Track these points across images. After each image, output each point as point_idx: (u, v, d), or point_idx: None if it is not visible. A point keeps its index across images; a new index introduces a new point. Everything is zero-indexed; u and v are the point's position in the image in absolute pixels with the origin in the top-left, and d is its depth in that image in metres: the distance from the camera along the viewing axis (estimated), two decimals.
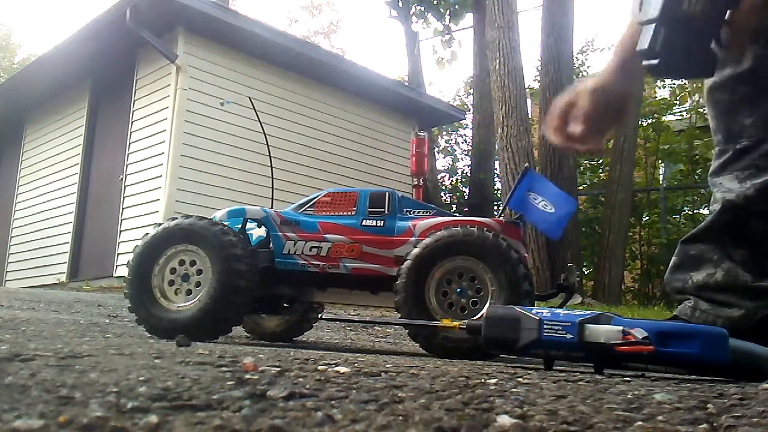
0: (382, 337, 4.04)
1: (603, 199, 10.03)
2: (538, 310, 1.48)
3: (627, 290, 10.59)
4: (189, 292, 2.49)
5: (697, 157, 10.76)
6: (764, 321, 1.52)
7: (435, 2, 14.14)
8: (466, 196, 13.18)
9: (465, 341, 2.20)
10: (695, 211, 10.67)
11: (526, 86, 9.28)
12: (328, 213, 2.75)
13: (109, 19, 7.38)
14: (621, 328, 1.35)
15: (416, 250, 2.45)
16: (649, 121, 11.27)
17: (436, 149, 14.23)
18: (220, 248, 2.42)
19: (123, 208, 7.81)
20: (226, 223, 2.60)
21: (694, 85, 11.27)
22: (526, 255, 2.59)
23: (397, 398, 0.81)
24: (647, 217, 11.11)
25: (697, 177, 10.71)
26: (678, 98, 12.47)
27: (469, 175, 13.33)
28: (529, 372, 1.33)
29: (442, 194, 13.53)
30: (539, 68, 9.78)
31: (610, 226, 8.68)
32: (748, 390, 1.07)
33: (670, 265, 1.70)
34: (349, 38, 54.74)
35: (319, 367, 1.11)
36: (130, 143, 7.96)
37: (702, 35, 1.09)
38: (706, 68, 1.15)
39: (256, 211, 2.78)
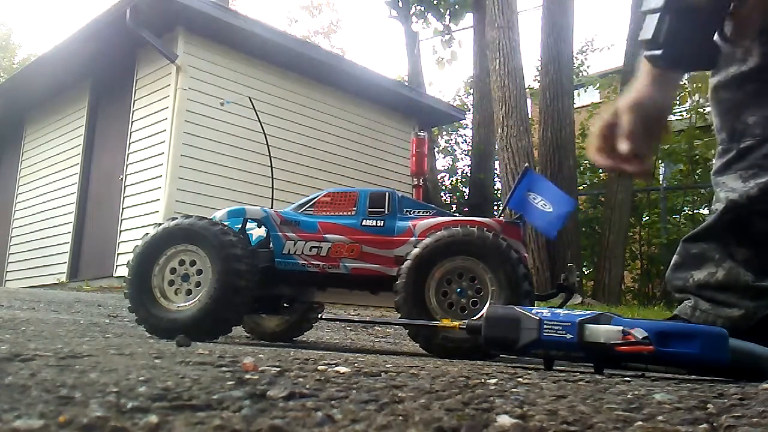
0: (382, 337, 4.04)
1: (603, 199, 10.03)
2: (538, 310, 1.48)
3: (627, 290, 10.59)
4: (189, 292, 2.49)
5: (697, 157, 10.76)
6: (764, 321, 1.52)
7: (435, 2, 14.14)
8: (466, 196, 13.18)
9: (465, 341, 2.20)
10: (695, 211, 10.67)
11: (526, 86, 9.28)
12: (328, 213, 2.75)
13: (109, 19, 7.38)
14: (621, 328, 1.35)
15: (416, 250, 2.45)
16: None
17: (436, 149, 14.23)
18: (220, 248, 2.42)
19: (123, 208, 7.81)
20: (226, 223, 2.60)
21: (694, 85, 11.28)
22: (526, 255, 2.60)
23: (397, 398, 0.81)
24: (647, 217, 11.11)
25: (697, 177, 10.71)
26: (678, 98, 12.47)
27: (469, 175, 13.33)
28: (529, 372, 1.33)
29: (442, 194, 13.53)
30: (539, 68, 9.79)
31: (610, 226, 8.68)
32: (748, 390, 1.07)
33: (671, 263, 1.70)
34: (349, 38, 54.78)
35: (319, 367, 1.11)
36: (130, 143, 7.96)
37: (706, 27, 1.08)
38: (709, 60, 1.14)
39: (256, 211, 2.78)
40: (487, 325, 1.53)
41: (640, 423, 0.71)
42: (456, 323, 1.78)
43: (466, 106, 15.22)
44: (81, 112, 9.03)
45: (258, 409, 0.69)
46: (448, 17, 14.32)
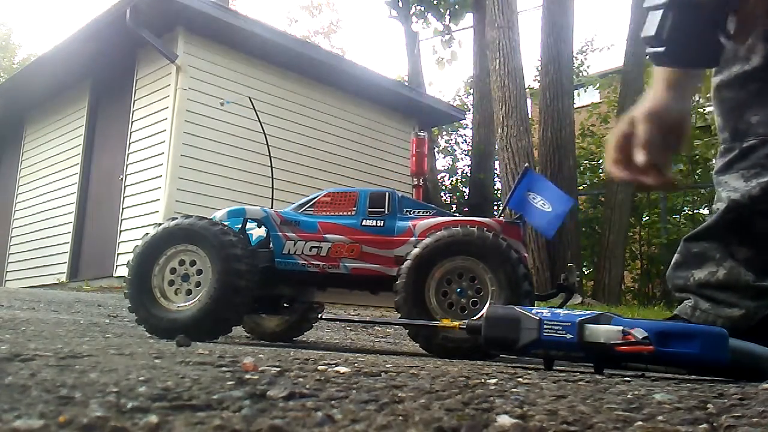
0: (382, 337, 4.04)
1: (603, 199, 10.03)
2: (538, 310, 1.48)
3: (627, 290, 10.60)
4: (189, 292, 2.49)
5: (697, 157, 10.76)
6: (764, 321, 1.52)
7: (435, 2, 14.14)
8: (466, 196, 13.18)
9: (465, 341, 2.20)
10: (695, 211, 10.67)
11: (526, 86, 9.28)
12: (328, 213, 2.75)
13: (109, 19, 7.38)
14: (621, 328, 1.35)
15: (416, 250, 2.45)
16: None
17: (436, 149, 14.23)
18: (220, 248, 2.42)
19: (123, 208, 7.81)
20: (226, 223, 2.60)
21: None
22: (526, 255, 2.60)
23: (397, 398, 0.81)
24: (647, 217, 11.11)
25: (697, 177, 10.71)
26: None
27: (469, 175, 13.33)
28: (529, 372, 1.33)
29: (442, 194, 13.53)
30: (539, 68, 9.79)
31: (610, 226, 8.68)
32: (748, 390, 1.07)
33: (672, 262, 1.70)
34: (349, 38, 54.79)
35: (319, 367, 1.11)
36: (130, 143, 7.96)
37: (710, 23, 1.07)
38: (712, 58, 1.13)
39: (256, 211, 2.78)
40: (487, 325, 1.53)
41: (640, 423, 0.71)
42: (456, 323, 1.78)
43: (466, 106, 15.22)
44: (81, 112, 9.02)
45: (258, 409, 0.69)
46: (448, 17, 14.32)
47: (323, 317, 2.97)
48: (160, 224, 2.58)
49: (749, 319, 1.53)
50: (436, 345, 2.34)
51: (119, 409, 0.65)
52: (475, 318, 2.25)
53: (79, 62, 8.34)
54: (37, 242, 9.38)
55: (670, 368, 1.44)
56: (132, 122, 7.99)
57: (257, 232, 2.85)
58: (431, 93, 14.17)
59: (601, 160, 11.88)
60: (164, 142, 7.34)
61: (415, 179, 6.22)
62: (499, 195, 11.73)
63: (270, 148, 3.82)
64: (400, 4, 14.00)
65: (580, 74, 15.59)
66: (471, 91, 14.44)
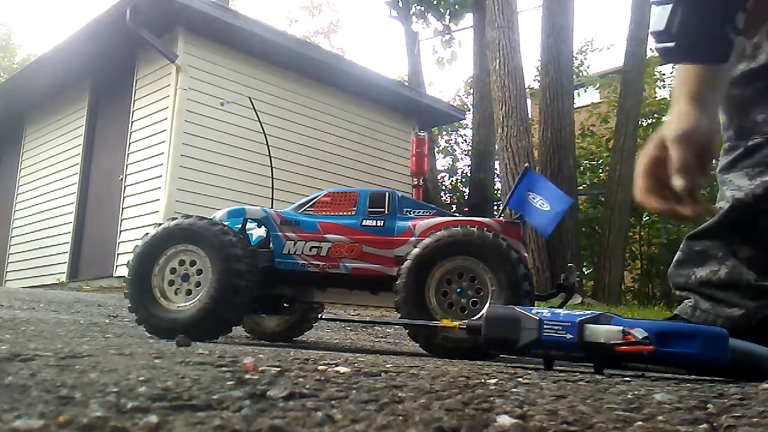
0: (382, 337, 4.04)
1: (603, 199, 10.03)
2: (538, 310, 1.48)
3: (627, 290, 10.60)
4: (189, 292, 2.49)
5: None
6: (765, 321, 1.52)
7: (435, 2, 14.14)
8: (466, 196, 13.18)
9: (465, 341, 2.20)
10: None
11: (526, 86, 9.28)
12: (328, 213, 2.75)
13: (109, 19, 7.38)
14: (621, 328, 1.35)
15: (416, 250, 2.45)
16: (649, 121, 11.27)
17: (436, 149, 14.23)
18: (220, 248, 2.42)
19: (123, 208, 7.81)
20: (226, 223, 2.60)
21: None
22: (526, 255, 2.60)
23: (397, 398, 0.81)
24: (647, 217, 11.12)
25: None
26: None
27: (469, 175, 13.33)
28: (529, 372, 1.33)
29: (442, 194, 13.53)
30: (539, 68, 9.79)
31: (610, 226, 8.69)
32: (748, 390, 1.07)
33: (674, 260, 1.69)
34: (349, 38, 54.78)
35: (319, 367, 1.11)
36: (130, 143, 7.96)
37: (719, 18, 1.06)
38: (722, 54, 1.10)
39: (256, 211, 2.78)
40: (487, 325, 1.53)
41: (640, 423, 0.71)
42: (456, 323, 1.78)
43: (466, 106, 15.22)
44: (81, 112, 9.02)
45: (258, 409, 0.69)
46: (448, 17, 14.32)
47: (323, 317, 2.97)
48: (160, 224, 2.58)
49: (749, 319, 1.52)
50: (436, 345, 2.34)
51: (119, 409, 0.65)
52: (475, 318, 2.25)
53: (79, 62, 8.34)
54: (37, 242, 9.38)
55: (670, 368, 1.44)
56: (132, 122, 7.99)
57: (257, 232, 2.85)
58: (431, 93, 14.18)
59: (600, 160, 11.89)
60: (164, 142, 7.34)
61: (415, 179, 6.22)
62: (499, 195, 11.73)
63: (270, 148, 3.82)
64: (400, 4, 14.00)
65: (580, 74, 15.59)
66: (471, 91, 14.44)
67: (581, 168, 11.57)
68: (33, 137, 10.09)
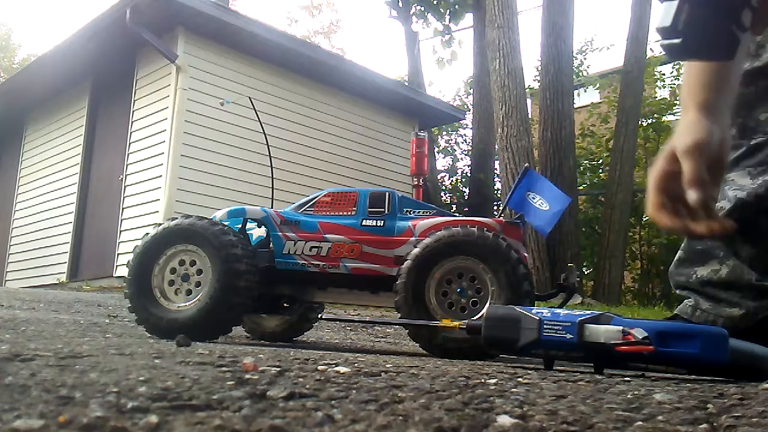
0: (382, 337, 4.04)
1: (603, 199, 10.04)
2: (538, 310, 1.48)
3: (627, 290, 10.60)
4: (189, 292, 2.49)
5: None
6: (765, 321, 1.52)
7: (435, 2, 14.13)
8: (466, 196, 13.18)
9: (465, 341, 2.20)
10: None
11: (526, 86, 9.28)
12: (328, 213, 2.75)
13: (109, 19, 7.38)
14: (621, 328, 1.35)
15: (416, 250, 2.45)
16: (649, 121, 11.28)
17: (436, 149, 14.23)
18: (220, 248, 2.42)
19: (123, 208, 7.81)
20: (226, 223, 2.60)
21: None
22: (526, 255, 2.60)
23: (397, 398, 0.81)
24: (647, 217, 11.11)
25: None
26: (678, 98, 12.48)
27: (469, 175, 13.33)
28: (529, 372, 1.33)
29: (442, 194, 13.53)
30: (539, 68, 9.79)
31: (610, 226, 8.69)
32: (748, 390, 1.07)
33: (675, 258, 1.69)
34: (349, 38, 54.80)
35: (319, 367, 1.11)
36: (130, 143, 7.96)
37: (726, 15, 1.05)
38: (728, 51, 1.09)
39: (256, 211, 2.78)
40: (487, 325, 1.53)
41: (640, 423, 0.71)
42: (456, 323, 1.78)
43: (466, 106, 15.22)
44: (81, 112, 9.02)
45: (258, 409, 0.69)
46: (448, 17, 14.31)
47: (323, 317, 2.97)
48: (160, 224, 2.58)
49: (750, 319, 1.52)
50: (436, 345, 2.34)
51: (119, 409, 0.65)
52: (475, 318, 2.25)
53: (79, 62, 8.34)
54: (37, 242, 9.38)
55: (670, 368, 1.44)
56: (132, 122, 7.99)
57: (257, 232, 2.85)
58: (431, 93, 14.16)
59: (600, 160, 11.88)
60: (164, 142, 7.34)
61: (415, 179, 6.21)
62: (499, 195, 11.73)
63: (270, 148, 3.82)
64: (400, 4, 13.99)
65: (580, 74, 15.59)
66: (471, 91, 14.43)
67: (581, 168, 11.57)
68: (33, 137, 10.09)
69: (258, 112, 4.11)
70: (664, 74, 12.98)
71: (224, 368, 1.00)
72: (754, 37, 1.18)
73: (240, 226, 2.73)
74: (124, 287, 2.55)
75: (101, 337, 1.96)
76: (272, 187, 3.57)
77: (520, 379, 1.12)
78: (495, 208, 11.48)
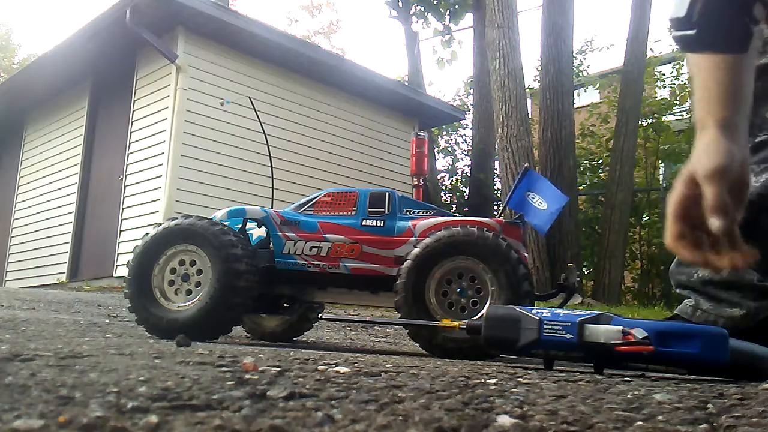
0: (382, 337, 4.04)
1: (603, 199, 10.03)
2: (538, 310, 1.48)
3: (627, 290, 10.59)
4: (189, 292, 2.49)
5: None
6: (766, 321, 1.52)
7: (435, 2, 14.13)
8: (466, 196, 13.17)
9: (465, 341, 2.20)
10: None
11: (526, 86, 9.27)
12: (328, 213, 2.75)
13: (109, 19, 7.38)
14: (621, 328, 1.35)
15: (416, 250, 2.45)
16: (649, 121, 11.27)
17: (436, 149, 14.22)
18: (220, 248, 2.42)
19: (123, 208, 7.81)
20: (226, 223, 2.60)
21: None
22: (526, 255, 2.60)
23: (397, 398, 0.81)
24: (647, 217, 11.11)
25: None
26: (678, 98, 12.48)
27: (469, 175, 13.32)
28: (529, 372, 1.33)
29: (442, 194, 13.52)
30: (539, 68, 9.79)
31: (610, 226, 8.68)
32: (748, 390, 1.07)
33: (675, 258, 1.69)
34: (349, 38, 54.79)
35: (319, 367, 1.11)
36: (130, 143, 7.96)
37: (739, 6, 1.04)
38: (743, 43, 1.07)
39: (256, 211, 2.78)
40: (487, 325, 1.53)
41: (640, 423, 0.71)
42: (456, 323, 1.78)
43: (466, 106, 15.21)
44: (81, 112, 9.02)
45: (258, 409, 0.69)
46: (448, 17, 14.30)
47: (323, 317, 2.98)
48: (160, 224, 2.58)
49: (751, 320, 1.52)
50: (436, 345, 2.34)
51: (119, 409, 0.64)
52: (475, 318, 2.25)
53: (79, 62, 8.34)
54: (37, 242, 9.38)
55: (670, 368, 1.44)
56: (132, 122, 7.99)
57: (257, 232, 2.85)
58: (431, 93, 14.16)
59: (600, 160, 11.88)
60: (164, 142, 7.34)
61: (415, 179, 6.21)
62: (499, 195, 11.72)
63: (270, 148, 3.82)
64: (400, 4, 13.99)
65: (580, 74, 15.58)
66: (471, 91, 14.43)
67: (581, 168, 11.56)
68: (33, 137, 10.09)
69: (258, 112, 4.11)
70: (664, 74, 12.98)
71: (224, 368, 1.00)
72: (762, 33, 1.16)
73: (240, 226, 2.73)
74: (124, 287, 2.55)
75: (101, 337, 1.96)
76: (272, 187, 3.57)
77: (520, 379, 1.12)
78: (495, 208, 11.48)
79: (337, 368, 1.11)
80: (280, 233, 2.69)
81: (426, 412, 0.72)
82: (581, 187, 11.20)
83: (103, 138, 8.72)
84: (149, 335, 2.39)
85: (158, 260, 2.51)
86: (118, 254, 7.69)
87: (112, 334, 2.22)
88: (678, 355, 1.32)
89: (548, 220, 2.65)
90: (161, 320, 2.42)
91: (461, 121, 13.33)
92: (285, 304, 2.93)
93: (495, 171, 12.10)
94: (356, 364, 1.22)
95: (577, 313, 1.45)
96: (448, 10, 14.16)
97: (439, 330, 2.26)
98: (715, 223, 0.99)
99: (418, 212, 2.74)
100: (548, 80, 8.61)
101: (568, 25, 8.77)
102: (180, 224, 2.52)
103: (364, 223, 2.67)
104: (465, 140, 14.94)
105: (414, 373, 1.12)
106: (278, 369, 1.02)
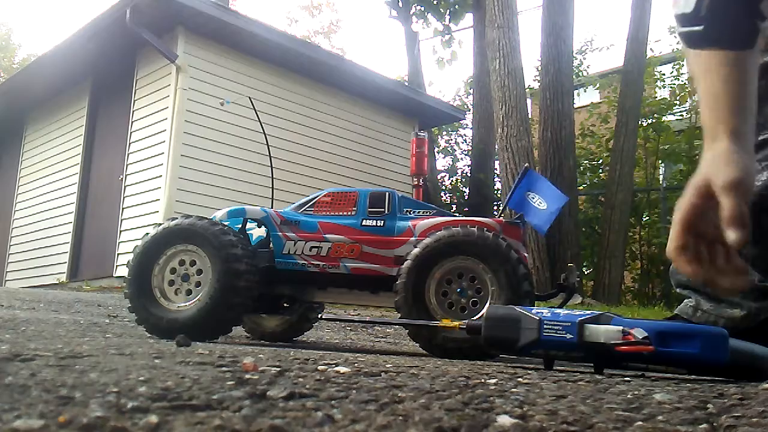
0: (382, 337, 4.04)
1: (603, 199, 10.03)
2: (538, 310, 1.48)
3: (627, 290, 10.59)
4: (189, 292, 2.49)
5: (697, 157, 10.73)
6: (766, 322, 1.52)
7: (435, 2, 14.13)
8: (466, 196, 13.17)
9: (465, 341, 2.20)
10: None
11: (526, 86, 9.27)
12: (328, 213, 2.75)
13: (109, 19, 7.38)
14: (621, 328, 1.35)
15: (416, 250, 2.45)
16: (649, 121, 11.27)
17: (436, 149, 14.22)
18: (220, 248, 2.42)
19: (123, 208, 7.81)
20: (226, 223, 2.60)
21: (695, 84, 11.26)
22: (526, 255, 2.60)
23: (397, 398, 0.81)
24: (647, 217, 11.11)
25: None
26: (678, 98, 12.48)
27: (469, 175, 13.32)
28: (529, 372, 1.33)
29: (442, 194, 13.52)
30: (539, 68, 9.78)
31: (610, 226, 8.68)
32: (748, 390, 1.07)
33: None
34: (349, 38, 54.80)
35: (319, 367, 1.11)
36: (130, 143, 7.96)
37: (747, 2, 1.02)
38: (750, 40, 1.05)
39: (256, 211, 2.78)
40: (487, 325, 1.53)
41: (640, 423, 0.71)
42: (456, 323, 1.78)
43: (466, 106, 15.21)
44: (81, 112, 9.03)
45: (258, 409, 0.69)
46: (448, 17, 14.30)
47: (323, 317, 2.98)
48: (160, 224, 2.58)
49: (751, 320, 1.52)
50: (436, 345, 2.34)
51: (119, 409, 0.64)
52: (475, 318, 2.25)
53: (79, 62, 8.34)
54: (37, 242, 9.38)
55: (670, 368, 1.44)
56: (132, 122, 7.99)
57: (257, 232, 2.85)
58: (431, 93, 14.16)
59: (600, 160, 11.88)
60: (164, 142, 7.34)
61: (415, 179, 6.21)
62: (499, 195, 11.72)
63: (270, 148, 3.82)
64: (400, 4, 13.99)
65: (580, 74, 15.58)
66: (471, 91, 14.43)
67: (581, 168, 11.56)
68: (33, 137, 10.09)
69: (258, 112, 4.11)
70: (664, 74, 12.98)
71: (224, 368, 1.00)
72: (766, 31, 1.14)
73: (240, 226, 2.73)
74: (124, 287, 2.55)
75: (101, 337, 1.96)
76: (272, 187, 3.57)
77: (520, 379, 1.12)
78: (495, 208, 11.48)
79: (337, 368, 1.11)
80: (280, 233, 2.69)
81: (426, 412, 0.72)
82: (581, 187, 11.20)
83: (103, 138, 8.72)
84: (149, 335, 2.39)
85: (158, 260, 2.51)
86: (118, 254, 7.70)
87: (112, 334, 2.22)
88: (678, 355, 1.32)
89: (548, 220, 2.65)
90: (161, 320, 2.42)
91: (461, 121, 13.33)
92: (285, 304, 2.93)
93: (495, 171, 12.10)
94: (356, 364, 1.22)
95: (577, 313, 1.45)
96: (448, 10, 14.16)
97: (439, 330, 2.26)
98: (731, 235, 0.96)
99: (418, 212, 2.74)
100: (548, 80, 8.61)
101: (568, 25, 8.77)
102: (180, 224, 2.52)
103: (364, 223, 2.67)
104: (465, 140, 14.94)
105: (414, 373, 1.12)
106: (278, 369, 1.02)
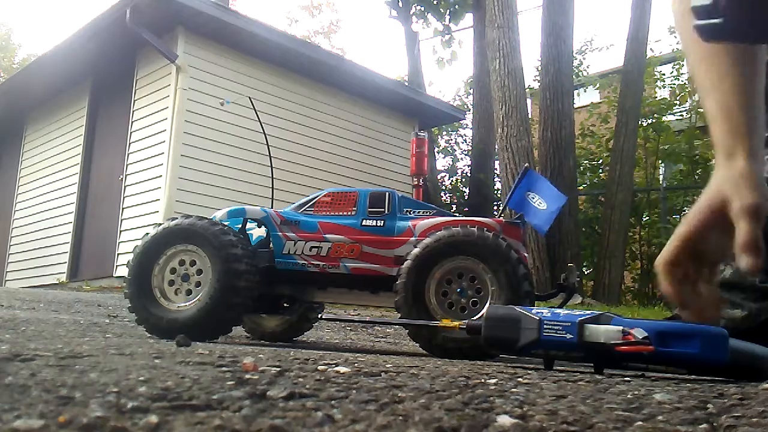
0: (382, 337, 4.04)
1: (603, 199, 10.03)
2: (538, 310, 1.48)
3: (627, 290, 10.59)
4: (189, 292, 2.49)
5: (697, 157, 10.76)
6: (766, 322, 1.52)
7: (435, 2, 14.13)
8: (466, 196, 13.17)
9: (465, 341, 2.20)
10: None
11: (526, 86, 9.27)
12: (328, 213, 2.75)
13: (109, 19, 7.38)
14: (621, 328, 1.35)
15: (416, 250, 2.45)
16: (649, 121, 11.28)
17: (436, 149, 14.22)
18: (220, 248, 2.42)
19: (123, 208, 7.81)
20: (226, 223, 2.60)
21: (695, 84, 11.26)
22: (526, 255, 2.60)
23: (397, 398, 0.81)
24: (647, 217, 11.11)
25: (697, 177, 10.71)
26: (678, 98, 12.48)
27: (469, 175, 13.32)
28: (529, 372, 1.33)
29: (442, 194, 13.52)
30: (539, 68, 9.79)
31: (610, 226, 8.68)
32: (748, 390, 1.07)
33: None
34: (349, 38, 54.80)
35: (319, 367, 1.11)
36: (130, 143, 7.96)
37: None
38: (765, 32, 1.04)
39: (256, 211, 2.78)
40: (487, 325, 1.53)
41: (640, 423, 0.71)
42: (456, 323, 1.78)
43: (466, 106, 15.21)
44: (81, 112, 9.03)
45: (258, 409, 0.69)
46: (448, 17, 14.30)
47: (323, 317, 2.98)
48: (160, 224, 2.59)
49: (752, 321, 1.52)
50: (436, 345, 2.34)
51: (119, 409, 0.64)
52: (475, 318, 2.25)
53: (79, 62, 8.34)
54: (37, 242, 9.39)
55: (670, 368, 1.44)
56: (132, 122, 7.99)
57: (257, 232, 2.85)
58: (431, 93, 14.15)
59: (600, 160, 11.89)
60: (164, 142, 7.34)
61: (415, 179, 6.22)
62: (499, 195, 11.72)
63: (270, 148, 3.82)
64: (400, 4, 13.99)
65: (580, 74, 15.58)
66: (471, 91, 14.43)
67: (581, 168, 11.56)
68: (33, 137, 10.09)
69: (258, 112, 4.12)
70: (664, 74, 12.98)
71: (224, 368, 1.00)
72: None
73: (240, 226, 2.73)
74: (124, 287, 2.55)
75: (101, 337, 1.96)
76: (272, 187, 3.57)
77: (520, 379, 1.12)
78: (495, 208, 11.48)
79: (337, 368, 1.11)
80: (280, 233, 2.69)
81: (426, 412, 0.72)
82: (581, 187, 11.20)
83: (103, 138, 8.72)
84: (149, 335, 2.39)
85: (158, 260, 2.51)
86: (118, 254, 7.70)
87: (112, 334, 2.22)
88: (678, 355, 1.32)
89: (548, 220, 2.65)
90: (161, 320, 2.42)
91: (461, 121, 13.33)
92: (285, 304, 2.93)
93: (495, 171, 12.10)
94: (356, 364, 1.22)
95: (577, 313, 1.45)
96: (448, 10, 14.16)
97: (439, 330, 2.26)
98: (744, 261, 0.93)
99: (418, 212, 2.74)
100: (548, 80, 8.61)
101: (568, 25, 8.77)
102: (180, 224, 2.52)
103: (364, 223, 2.67)
104: (465, 140, 14.94)
105: (414, 373, 1.12)
106: (278, 369, 1.02)
